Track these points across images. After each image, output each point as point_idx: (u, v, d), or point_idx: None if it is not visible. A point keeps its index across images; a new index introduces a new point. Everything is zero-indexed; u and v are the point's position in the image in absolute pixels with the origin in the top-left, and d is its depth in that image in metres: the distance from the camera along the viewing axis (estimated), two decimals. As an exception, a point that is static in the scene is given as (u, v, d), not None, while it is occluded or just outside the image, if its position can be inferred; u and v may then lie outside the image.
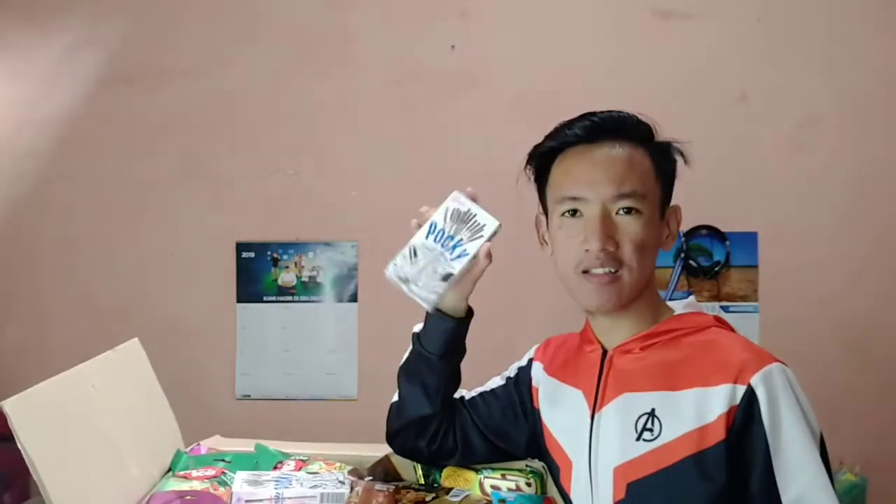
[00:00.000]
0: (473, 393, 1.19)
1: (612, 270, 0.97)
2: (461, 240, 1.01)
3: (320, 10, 2.45)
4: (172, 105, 2.44)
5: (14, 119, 2.47)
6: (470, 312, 1.11)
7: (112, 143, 2.45)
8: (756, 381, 0.89)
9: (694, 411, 0.91)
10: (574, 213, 1.00)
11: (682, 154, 1.04)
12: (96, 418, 0.96)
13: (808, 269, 2.34)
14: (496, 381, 1.19)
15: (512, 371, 1.19)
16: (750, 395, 0.89)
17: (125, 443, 1.01)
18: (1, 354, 2.41)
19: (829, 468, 0.90)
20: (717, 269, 2.35)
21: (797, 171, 2.36)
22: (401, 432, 1.15)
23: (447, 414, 1.13)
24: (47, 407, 0.87)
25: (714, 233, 2.36)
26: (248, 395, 2.42)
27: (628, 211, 0.97)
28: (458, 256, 1.01)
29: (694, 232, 2.35)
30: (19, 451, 2.50)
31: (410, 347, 1.15)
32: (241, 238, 2.44)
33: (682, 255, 2.35)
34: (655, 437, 0.93)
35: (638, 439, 0.94)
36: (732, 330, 1.01)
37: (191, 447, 1.17)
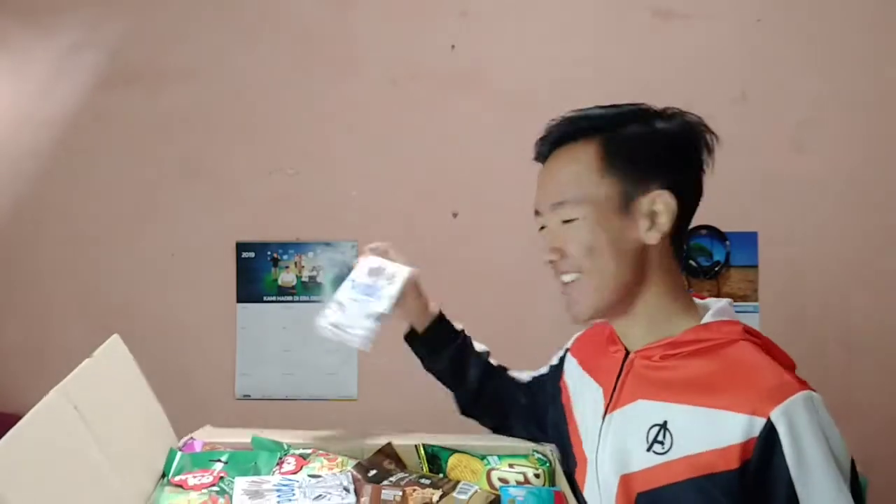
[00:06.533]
0: (528, 377, 1.25)
1: (567, 280, 0.98)
2: (381, 286, 1.16)
3: (320, 10, 2.45)
4: (172, 105, 2.44)
5: (14, 119, 2.47)
6: (439, 315, 1.23)
7: (112, 144, 2.45)
8: (777, 415, 0.83)
9: (707, 433, 0.86)
10: (542, 228, 1.02)
11: (654, 116, 0.97)
12: (80, 445, 0.90)
13: (808, 269, 2.34)
14: (544, 368, 1.23)
15: (555, 359, 1.22)
16: (770, 429, 0.83)
17: (114, 461, 0.94)
18: (1, 354, 2.41)
19: (857, 495, 0.85)
20: (717, 269, 2.35)
21: (797, 171, 2.36)
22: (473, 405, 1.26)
23: (492, 375, 1.24)
24: (23, 453, 0.81)
25: (714, 233, 2.36)
26: (248, 395, 2.42)
27: (566, 221, 0.96)
28: (383, 298, 1.15)
29: (694, 232, 2.35)
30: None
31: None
32: (241, 238, 2.43)
33: (682, 254, 2.34)
34: (665, 452, 0.89)
35: (648, 450, 0.91)
36: (762, 340, 0.94)
37: (183, 441, 1.13)
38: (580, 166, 0.96)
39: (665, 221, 0.95)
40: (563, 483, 1.05)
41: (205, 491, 0.96)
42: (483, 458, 1.08)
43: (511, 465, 1.06)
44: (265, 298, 2.43)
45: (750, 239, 2.37)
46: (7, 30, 2.46)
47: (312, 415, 2.36)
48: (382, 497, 0.96)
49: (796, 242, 2.35)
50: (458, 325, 1.27)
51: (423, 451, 1.11)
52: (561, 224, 0.97)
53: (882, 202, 2.35)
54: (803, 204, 2.36)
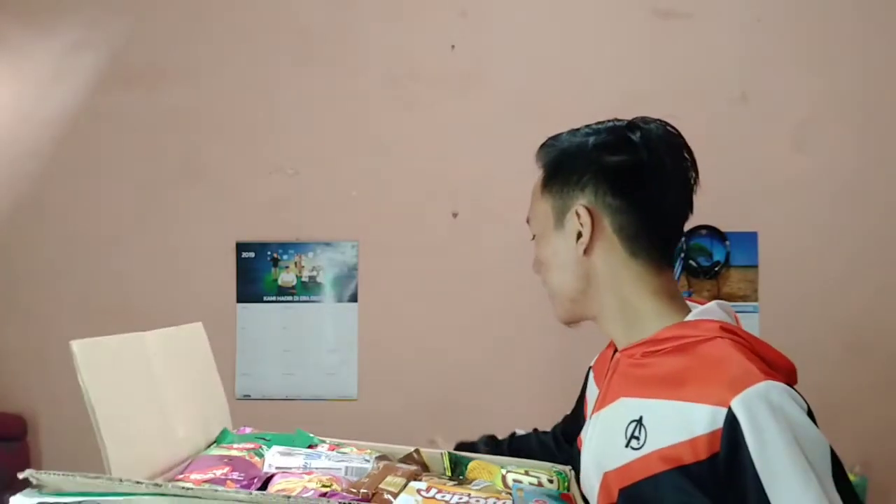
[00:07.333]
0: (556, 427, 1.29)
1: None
2: None
3: (320, 9, 2.45)
4: (172, 105, 2.45)
5: (14, 119, 2.47)
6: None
7: (112, 144, 2.45)
8: (737, 404, 0.82)
9: (676, 425, 0.87)
10: None
11: (601, 132, 1.00)
12: (153, 379, 1.02)
13: (808, 269, 2.35)
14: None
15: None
16: (732, 419, 0.82)
17: (176, 408, 1.06)
18: (1, 354, 2.41)
19: (845, 489, 0.82)
20: (717, 269, 2.35)
21: (797, 171, 2.36)
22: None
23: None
24: (111, 355, 0.94)
25: (714, 233, 2.36)
26: (248, 395, 2.42)
27: (532, 237, 1.06)
28: None
29: (694, 232, 2.35)
30: (19, 452, 2.50)
31: None
32: (241, 238, 2.44)
33: (682, 255, 2.35)
34: (641, 447, 0.90)
35: (626, 446, 0.92)
36: (745, 338, 0.93)
37: (237, 429, 1.24)
38: (536, 185, 1.05)
39: (585, 234, 0.98)
40: (575, 491, 1.06)
41: (244, 451, 1.09)
42: (503, 466, 1.12)
43: (527, 472, 1.10)
44: (265, 298, 2.43)
45: (750, 239, 2.38)
46: (7, 30, 2.47)
47: (312, 415, 2.36)
48: (396, 465, 1.03)
49: (796, 242, 2.35)
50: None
51: (448, 458, 1.15)
52: (531, 239, 1.07)
53: (882, 202, 2.35)
54: (803, 204, 2.36)
